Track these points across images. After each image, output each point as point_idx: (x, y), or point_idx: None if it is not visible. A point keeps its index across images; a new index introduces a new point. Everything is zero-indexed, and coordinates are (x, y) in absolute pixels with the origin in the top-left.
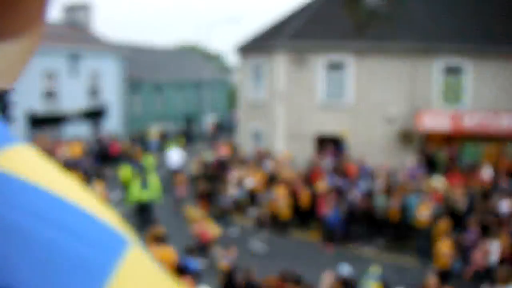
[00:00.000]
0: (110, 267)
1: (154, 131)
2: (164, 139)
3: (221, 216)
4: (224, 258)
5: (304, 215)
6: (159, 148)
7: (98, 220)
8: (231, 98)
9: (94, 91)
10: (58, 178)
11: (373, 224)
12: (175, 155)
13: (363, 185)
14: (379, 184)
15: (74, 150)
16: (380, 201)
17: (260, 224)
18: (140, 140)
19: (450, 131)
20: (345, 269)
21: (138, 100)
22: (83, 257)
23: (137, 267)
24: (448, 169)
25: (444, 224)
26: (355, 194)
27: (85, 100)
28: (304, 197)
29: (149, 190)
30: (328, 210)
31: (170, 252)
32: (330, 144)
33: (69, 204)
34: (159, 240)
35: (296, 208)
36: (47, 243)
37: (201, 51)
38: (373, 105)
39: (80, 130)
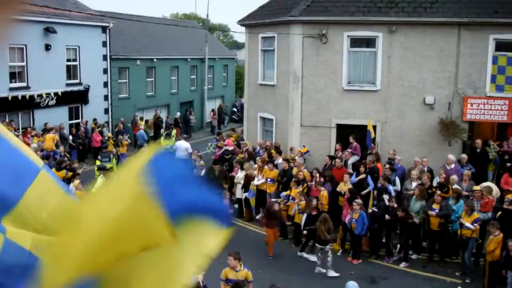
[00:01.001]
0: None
1: (144, 120)
2: (157, 129)
3: None
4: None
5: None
6: (150, 139)
7: (16, 150)
8: (239, 81)
9: (71, 71)
10: None
11: (407, 234)
12: (180, 149)
13: (394, 186)
14: (414, 185)
15: (47, 141)
16: (415, 207)
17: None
18: (127, 130)
19: (505, 122)
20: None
21: (125, 82)
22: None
23: (43, 185)
24: (502, 169)
25: (495, 240)
26: (385, 197)
27: (61, 82)
28: (324, 199)
29: None
30: (353, 215)
31: None
32: (355, 137)
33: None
34: None
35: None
36: None
37: (203, 23)
38: (408, 89)
39: (54, 117)
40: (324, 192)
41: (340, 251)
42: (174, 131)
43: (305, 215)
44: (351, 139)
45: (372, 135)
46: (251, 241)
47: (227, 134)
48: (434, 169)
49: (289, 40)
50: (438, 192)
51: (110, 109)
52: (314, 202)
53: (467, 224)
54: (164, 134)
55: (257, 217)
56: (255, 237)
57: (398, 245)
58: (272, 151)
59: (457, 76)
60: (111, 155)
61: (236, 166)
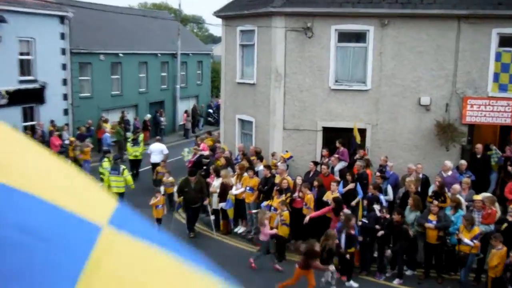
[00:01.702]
0: (79, 265)
1: (109, 122)
2: (119, 134)
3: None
4: None
5: (309, 233)
6: (116, 144)
7: (67, 214)
8: (215, 79)
9: (25, 67)
10: (27, 167)
11: (400, 248)
12: (155, 152)
13: (386, 196)
14: (408, 194)
15: None
16: (409, 218)
17: (253, 244)
18: (90, 133)
19: (508, 125)
20: None
21: (87, 79)
22: (53, 262)
23: (108, 253)
24: (505, 176)
25: (499, 255)
26: (375, 207)
27: (13, 78)
28: (310, 203)
29: None
30: (340, 227)
31: None
32: (342, 141)
33: (35, 200)
34: None
35: (298, 224)
36: (18, 251)
37: (175, 14)
38: (401, 89)
39: (5, 119)
40: (310, 196)
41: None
42: (141, 136)
43: (343, 236)
44: (337, 144)
45: (357, 140)
46: (229, 256)
47: (201, 138)
48: (430, 176)
49: (271, 34)
50: (435, 202)
51: (70, 110)
52: (353, 220)
53: (466, 241)
54: (130, 139)
55: (237, 230)
56: (234, 252)
57: (389, 251)
58: (252, 157)
59: (456, 75)
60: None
61: (212, 173)
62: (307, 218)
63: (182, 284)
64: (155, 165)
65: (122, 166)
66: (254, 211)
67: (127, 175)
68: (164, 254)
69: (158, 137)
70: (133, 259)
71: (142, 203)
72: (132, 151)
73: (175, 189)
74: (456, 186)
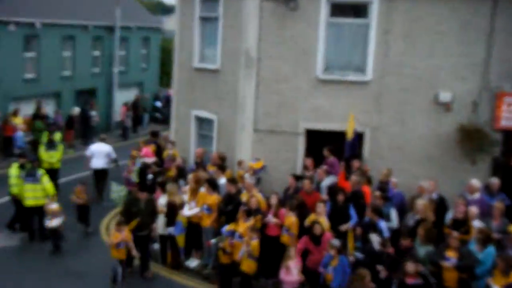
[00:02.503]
0: None
1: (20, 115)
2: (38, 131)
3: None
4: None
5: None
6: (29, 145)
7: None
8: (166, 62)
9: None
10: None
11: None
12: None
13: (389, 222)
14: (419, 221)
15: None
16: (421, 252)
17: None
18: None
19: None
20: None
21: None
22: None
23: None
24: None
25: None
26: (373, 238)
27: None
28: (294, 228)
29: None
30: (327, 260)
31: None
32: (331, 149)
33: None
34: None
35: (269, 255)
36: None
37: None
38: (413, 81)
39: None
40: (293, 219)
41: None
42: (58, 135)
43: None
44: (326, 152)
45: (349, 134)
46: None
47: (144, 141)
48: (449, 198)
49: (241, 4)
50: (455, 233)
51: None
52: (412, 267)
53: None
54: (43, 141)
55: (189, 264)
56: None
57: None
58: (212, 167)
59: (489, 63)
60: None
61: (157, 188)
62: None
63: None
64: (98, 173)
65: (40, 171)
66: (213, 240)
67: (47, 181)
68: None
69: (102, 136)
70: None
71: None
72: (47, 157)
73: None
74: (473, 209)
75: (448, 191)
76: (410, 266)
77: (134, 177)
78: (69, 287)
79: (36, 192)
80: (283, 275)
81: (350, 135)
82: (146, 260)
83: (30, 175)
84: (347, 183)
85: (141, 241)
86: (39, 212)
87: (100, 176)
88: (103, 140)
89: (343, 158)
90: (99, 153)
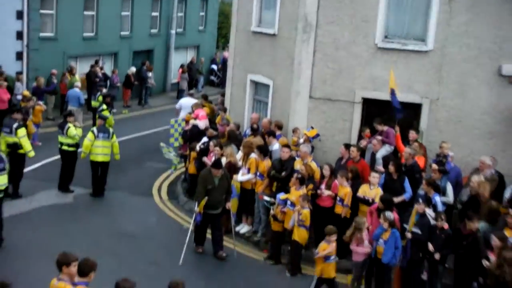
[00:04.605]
0: None
1: (78, 73)
2: (92, 89)
3: None
4: None
5: (337, 240)
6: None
7: None
8: (223, 25)
9: None
10: None
11: (461, 268)
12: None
13: (444, 197)
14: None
15: None
16: (482, 230)
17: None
18: (51, 88)
19: None
20: None
21: (50, 13)
22: None
23: None
24: None
25: None
26: (428, 213)
27: None
28: (348, 199)
29: None
30: (379, 233)
31: None
32: (380, 121)
33: None
34: None
35: (322, 226)
36: None
37: None
38: (476, 52)
39: None
40: (347, 189)
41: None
42: (99, 97)
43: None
44: (377, 125)
45: (392, 85)
46: (227, 264)
47: (196, 104)
48: (508, 175)
49: None
50: None
51: (25, 53)
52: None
53: None
54: (98, 99)
55: (239, 230)
56: (232, 258)
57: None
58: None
59: None
60: (16, 125)
61: (212, 151)
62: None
63: None
64: None
65: (111, 129)
66: (267, 198)
67: (116, 140)
68: None
69: (190, 91)
70: None
71: None
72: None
73: None
74: None
75: (508, 168)
76: (495, 241)
77: (173, 140)
78: (121, 248)
79: (106, 149)
80: (354, 245)
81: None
82: (220, 239)
83: (103, 131)
84: (403, 148)
85: (214, 220)
86: (104, 168)
87: None
88: (191, 95)
89: (396, 123)
90: (187, 107)
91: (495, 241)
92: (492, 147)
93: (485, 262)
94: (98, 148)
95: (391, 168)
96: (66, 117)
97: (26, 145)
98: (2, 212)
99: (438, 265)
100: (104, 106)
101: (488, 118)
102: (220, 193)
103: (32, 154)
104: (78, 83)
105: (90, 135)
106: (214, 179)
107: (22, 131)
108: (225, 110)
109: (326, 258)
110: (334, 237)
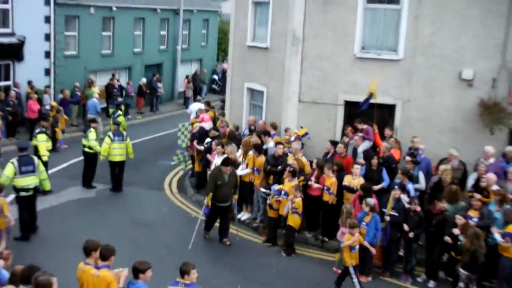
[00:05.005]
0: None
1: (97, 85)
2: (110, 98)
3: None
4: None
5: (325, 223)
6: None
7: None
8: (222, 41)
9: (2, 17)
10: None
11: (431, 245)
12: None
13: (417, 184)
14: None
15: None
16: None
17: (258, 233)
18: (75, 99)
19: None
20: None
21: (74, 35)
22: None
23: None
24: None
25: None
26: (403, 198)
27: None
28: (334, 188)
29: None
30: (362, 216)
31: None
32: (360, 121)
33: None
34: None
35: (312, 212)
36: None
37: None
38: (440, 60)
39: None
40: (333, 180)
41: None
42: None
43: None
44: (357, 124)
45: (372, 91)
46: (230, 247)
47: (200, 109)
48: (469, 163)
49: None
50: (478, 195)
51: (52, 69)
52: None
53: (496, 235)
54: (115, 110)
55: (241, 217)
56: (235, 242)
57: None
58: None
59: (506, 45)
60: (37, 130)
61: (214, 149)
62: None
63: None
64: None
65: (125, 132)
66: (263, 189)
67: (129, 142)
68: None
69: (198, 97)
70: None
71: None
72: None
73: None
74: (491, 176)
75: (470, 158)
76: (459, 219)
77: (180, 142)
78: (138, 234)
79: (122, 150)
80: (344, 228)
81: (369, 93)
82: (226, 229)
83: (118, 134)
84: (381, 143)
85: (223, 211)
86: (121, 166)
87: None
88: (199, 101)
89: (374, 121)
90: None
91: (460, 219)
92: (455, 141)
93: (447, 239)
94: (115, 150)
95: (374, 161)
96: (91, 123)
97: (42, 149)
98: (35, 206)
99: (412, 242)
100: (120, 112)
101: (451, 116)
102: (229, 188)
103: (46, 158)
104: (96, 94)
105: (107, 139)
106: (224, 176)
107: (41, 136)
108: (223, 114)
109: (352, 248)
110: (356, 230)
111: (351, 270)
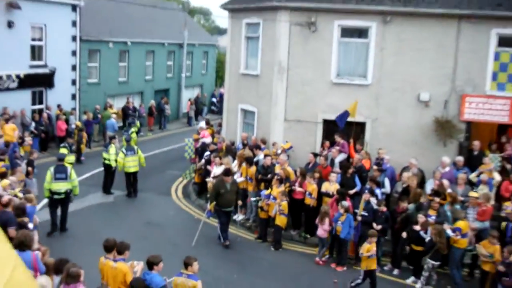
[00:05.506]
0: None
1: (114, 107)
2: (127, 118)
3: None
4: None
5: (307, 223)
6: (120, 130)
7: None
8: (220, 69)
9: (36, 51)
10: None
11: (396, 239)
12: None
13: (383, 188)
14: (408, 189)
15: (7, 132)
16: (410, 210)
17: (251, 231)
18: (97, 120)
19: (506, 123)
20: None
21: (95, 65)
22: None
23: None
24: (501, 174)
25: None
26: (372, 200)
27: (24, 63)
28: (315, 193)
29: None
30: (338, 217)
31: None
32: (340, 135)
33: None
34: None
35: (296, 213)
36: None
37: (183, 5)
38: (401, 85)
39: (16, 102)
40: (314, 186)
41: (327, 256)
42: (136, 125)
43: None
44: (336, 138)
45: (352, 114)
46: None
47: (201, 127)
48: (427, 171)
49: (275, 27)
50: (437, 199)
51: (77, 94)
52: (422, 218)
53: (448, 231)
54: (127, 127)
55: (236, 218)
56: (231, 238)
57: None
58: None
59: (456, 72)
60: (70, 147)
61: (213, 161)
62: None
63: None
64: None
65: (136, 147)
66: (253, 198)
67: (141, 154)
68: None
69: (205, 117)
70: None
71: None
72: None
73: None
74: (445, 181)
75: (427, 166)
76: (421, 218)
77: (186, 155)
78: (151, 232)
79: (135, 162)
80: (322, 226)
81: (353, 113)
82: (226, 230)
83: (130, 149)
84: (354, 154)
85: (226, 215)
86: (135, 176)
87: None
88: (206, 120)
89: (349, 137)
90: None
91: (421, 217)
92: (415, 152)
93: (403, 234)
94: (130, 162)
95: (350, 171)
96: (111, 140)
97: None
98: (67, 209)
99: (380, 237)
100: (133, 129)
101: (412, 131)
102: (232, 195)
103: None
104: (114, 115)
105: (121, 155)
106: (226, 185)
107: (63, 150)
108: (219, 132)
109: (369, 255)
110: (374, 239)
111: (374, 273)
